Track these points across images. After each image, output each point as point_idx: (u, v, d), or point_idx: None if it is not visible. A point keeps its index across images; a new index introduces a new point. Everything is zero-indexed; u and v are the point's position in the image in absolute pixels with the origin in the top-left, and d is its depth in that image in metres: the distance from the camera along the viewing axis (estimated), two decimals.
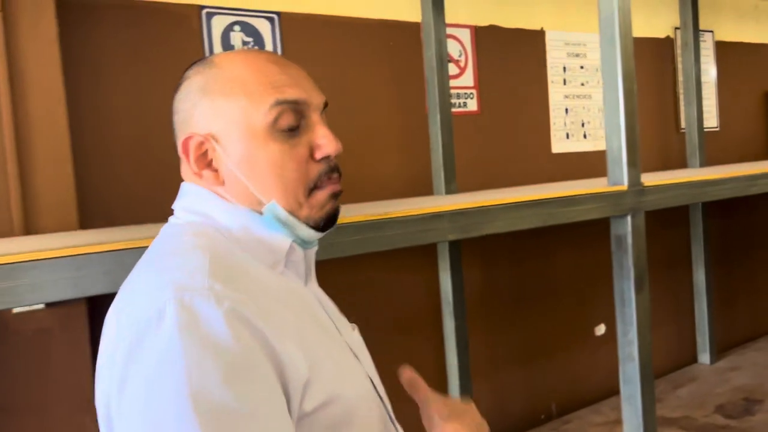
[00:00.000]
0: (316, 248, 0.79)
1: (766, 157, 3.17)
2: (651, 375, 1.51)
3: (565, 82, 2.46)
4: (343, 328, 0.78)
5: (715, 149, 2.95)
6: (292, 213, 0.72)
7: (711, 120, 2.96)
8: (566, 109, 2.46)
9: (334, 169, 0.74)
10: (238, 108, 0.70)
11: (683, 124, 2.79)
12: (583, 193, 1.40)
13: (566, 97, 2.46)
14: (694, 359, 2.81)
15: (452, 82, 2.19)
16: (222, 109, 0.71)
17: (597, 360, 2.53)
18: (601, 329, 2.56)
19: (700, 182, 1.68)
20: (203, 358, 0.58)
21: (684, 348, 2.82)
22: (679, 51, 2.78)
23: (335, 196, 0.74)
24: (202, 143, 0.72)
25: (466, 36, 2.21)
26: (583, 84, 2.51)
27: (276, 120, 0.70)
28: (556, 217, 1.39)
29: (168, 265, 0.67)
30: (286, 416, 0.62)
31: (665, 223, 2.77)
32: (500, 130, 2.30)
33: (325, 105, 0.76)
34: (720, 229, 2.94)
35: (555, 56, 2.43)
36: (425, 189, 2.02)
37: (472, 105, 2.23)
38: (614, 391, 2.52)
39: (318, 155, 0.72)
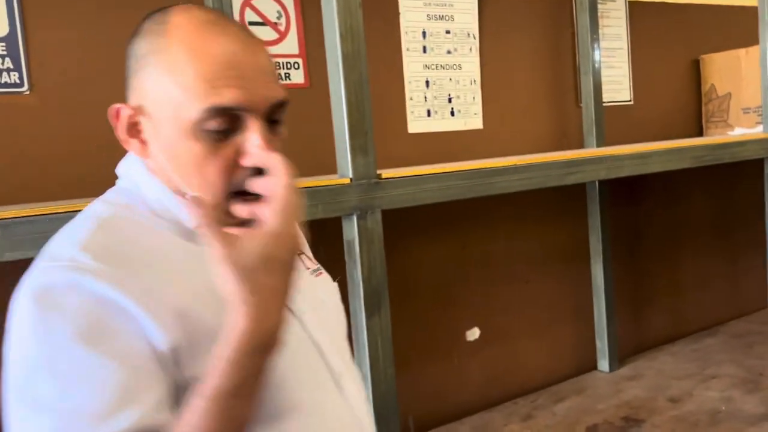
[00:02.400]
0: None
1: (697, 133, 2.80)
2: (396, 418, 1.19)
3: (425, 50, 2.11)
4: (309, 309, 0.76)
5: (627, 126, 2.59)
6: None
7: (623, 92, 2.59)
8: (427, 82, 2.11)
9: (259, 173, 0.67)
10: (172, 99, 0.67)
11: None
12: (306, 186, 1.08)
13: (427, 67, 2.11)
14: (594, 366, 2.49)
15: (271, 49, 1.86)
16: (156, 91, 0.69)
17: (468, 369, 2.22)
18: (474, 333, 2.25)
19: (441, 174, 1.33)
20: (52, 322, 0.63)
21: (584, 353, 2.49)
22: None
23: (247, 223, 0.66)
24: (131, 114, 0.71)
25: None
26: (450, 52, 2.16)
27: (204, 121, 0.66)
28: None
29: (62, 233, 0.71)
30: (148, 354, 0.64)
31: (565, 211, 2.43)
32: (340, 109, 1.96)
33: (281, 104, 0.70)
34: (626, 219, 2.58)
35: (411, 19, 2.07)
36: None
37: (298, 77, 1.90)
38: (486, 405, 2.23)
39: (243, 162, 0.68)
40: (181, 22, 0.69)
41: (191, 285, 0.69)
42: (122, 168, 0.77)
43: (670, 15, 2.68)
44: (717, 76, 2.69)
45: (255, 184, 0.66)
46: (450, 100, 2.17)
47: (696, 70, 2.77)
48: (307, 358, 0.74)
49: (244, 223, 0.66)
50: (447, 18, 2.14)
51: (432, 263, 2.15)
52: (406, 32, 2.06)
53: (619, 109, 2.57)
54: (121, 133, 0.72)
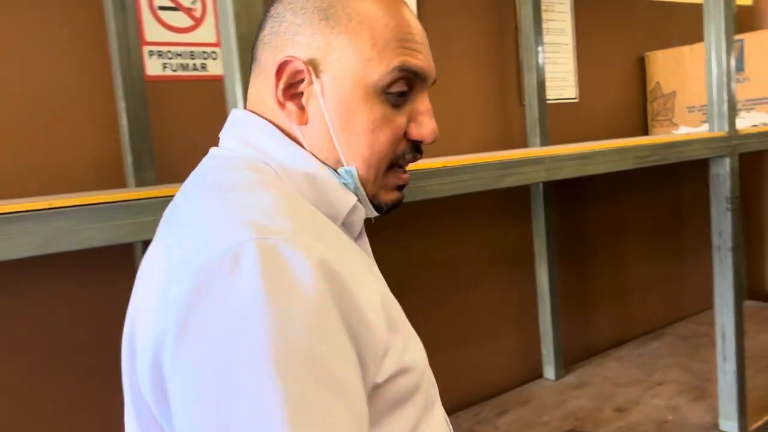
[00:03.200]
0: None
1: (642, 132, 2.74)
2: None
3: None
4: None
5: (573, 124, 2.50)
6: (365, 185, 0.67)
7: (569, 90, 2.50)
8: None
9: (419, 151, 0.69)
10: (359, 54, 0.63)
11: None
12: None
13: None
14: (540, 373, 2.40)
15: (183, 37, 1.68)
16: (340, 47, 0.63)
17: None
18: None
19: None
20: (291, 318, 0.48)
21: (530, 361, 2.40)
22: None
23: (402, 188, 0.70)
24: (300, 72, 0.64)
25: None
26: None
27: (391, 84, 0.64)
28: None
29: (234, 200, 0.57)
30: (363, 390, 0.53)
31: (509, 212, 2.32)
32: None
33: (433, 82, 0.70)
34: (573, 221, 2.50)
35: None
36: (103, 181, 1.49)
37: (215, 68, 1.72)
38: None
39: (414, 135, 0.67)
40: None
41: (367, 273, 0.61)
42: (241, 132, 0.67)
43: (616, 10, 2.61)
44: (662, 74, 2.64)
45: None
46: None
47: (641, 67, 2.71)
48: (434, 386, 0.71)
49: (397, 189, 0.69)
50: None
51: None
52: None
53: (565, 107, 2.48)
54: (279, 93, 0.65)
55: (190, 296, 0.50)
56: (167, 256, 0.55)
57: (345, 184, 0.66)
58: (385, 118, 0.65)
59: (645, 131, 2.72)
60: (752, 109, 2.36)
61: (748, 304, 3.07)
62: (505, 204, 2.30)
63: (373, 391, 0.56)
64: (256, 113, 0.68)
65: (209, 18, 1.71)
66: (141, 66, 1.46)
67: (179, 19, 1.66)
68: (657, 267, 2.78)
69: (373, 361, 0.55)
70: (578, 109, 2.52)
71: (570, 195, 2.47)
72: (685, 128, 2.38)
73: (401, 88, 0.65)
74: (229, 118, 0.71)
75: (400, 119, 0.66)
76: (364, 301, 0.54)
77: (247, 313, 0.48)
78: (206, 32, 1.70)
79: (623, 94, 2.67)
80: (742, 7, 3.09)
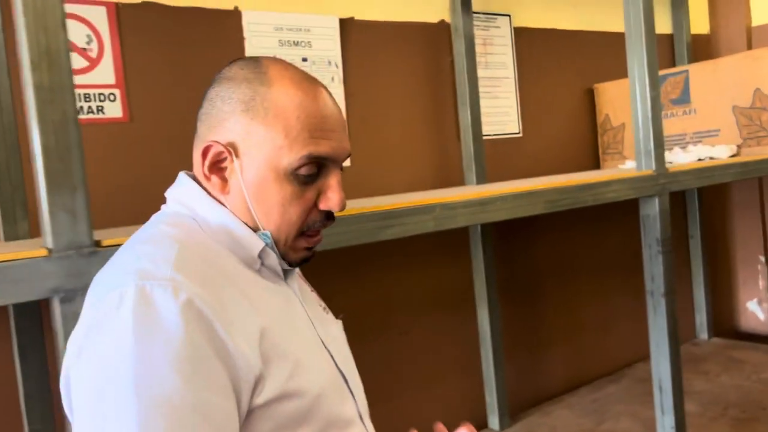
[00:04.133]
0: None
1: (594, 166, 2.65)
2: None
3: None
4: (319, 322, 0.82)
5: (517, 160, 2.42)
6: (276, 245, 0.77)
7: (511, 124, 2.42)
8: None
9: (331, 218, 0.79)
10: (273, 143, 0.74)
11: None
12: None
13: None
14: (484, 423, 2.27)
15: (79, 79, 1.60)
16: (257, 134, 0.74)
17: None
18: None
19: None
20: (152, 347, 0.60)
21: (473, 410, 2.27)
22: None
23: (311, 248, 0.80)
24: (222, 152, 0.76)
25: (98, 15, 1.62)
26: None
27: (300, 167, 0.74)
28: None
29: (140, 252, 0.70)
30: (231, 412, 0.64)
31: (447, 253, 2.22)
32: (170, 145, 1.70)
33: (348, 154, 0.80)
34: (517, 261, 2.40)
35: (259, 45, 1.85)
36: None
37: (114, 110, 1.64)
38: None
39: (322, 206, 0.77)
40: (280, 74, 0.76)
41: (264, 306, 0.72)
42: (177, 192, 0.79)
43: (561, 42, 2.54)
44: (611, 106, 2.56)
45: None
46: None
47: (591, 99, 2.64)
48: (341, 391, 0.79)
49: (305, 249, 0.80)
50: (303, 44, 1.93)
51: None
52: None
53: (507, 142, 2.40)
54: (205, 169, 0.76)
55: (87, 329, 0.64)
56: (87, 301, 0.69)
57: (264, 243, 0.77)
58: (294, 195, 0.75)
59: (597, 165, 2.63)
60: (699, 142, 2.28)
61: (715, 341, 2.95)
62: (444, 244, 2.20)
63: (256, 412, 0.67)
64: (194, 176, 0.80)
65: (107, 58, 1.63)
66: (11, 111, 1.36)
67: (72, 60, 1.58)
68: (612, 305, 2.66)
69: (246, 384, 0.65)
70: (522, 143, 2.44)
71: (513, 233, 2.37)
72: (631, 163, 2.30)
73: (309, 171, 0.75)
74: (177, 179, 0.81)
75: (310, 194, 0.76)
76: (234, 334, 0.65)
77: (120, 344, 0.60)
78: (104, 73, 1.62)
79: (572, 127, 2.59)
80: (698, 36, 3.03)
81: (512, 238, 2.36)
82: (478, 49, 2.31)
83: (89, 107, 1.60)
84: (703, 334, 2.98)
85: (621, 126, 2.53)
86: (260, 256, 0.76)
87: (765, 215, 3.02)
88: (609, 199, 1.51)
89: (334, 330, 0.86)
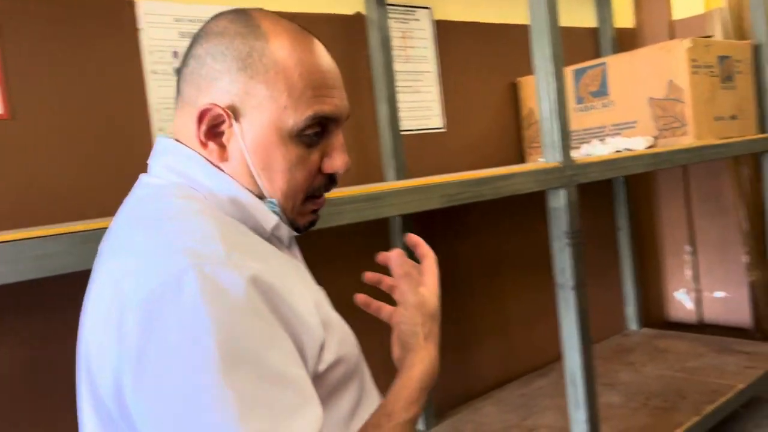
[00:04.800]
0: None
1: (518, 160, 2.64)
2: None
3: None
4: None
5: (441, 155, 2.38)
6: (284, 212, 0.75)
7: (434, 119, 2.38)
8: None
9: (334, 182, 0.78)
10: (276, 103, 0.70)
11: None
12: None
13: None
14: None
15: None
16: (258, 95, 0.70)
17: None
18: None
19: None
20: (233, 327, 0.57)
21: None
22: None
23: (317, 210, 0.80)
24: (220, 116, 0.71)
25: None
26: None
27: (306, 128, 0.72)
28: None
29: (171, 229, 0.64)
30: (309, 381, 0.64)
31: (368, 249, 2.16)
32: (58, 142, 1.60)
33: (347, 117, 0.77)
34: (443, 255, 2.36)
35: (156, 36, 1.76)
36: None
37: None
38: None
39: (327, 169, 0.75)
40: (274, 28, 0.73)
41: (297, 279, 0.71)
42: (168, 160, 0.74)
43: (484, 35, 2.52)
44: (534, 100, 2.55)
45: (419, 247, 0.89)
46: None
47: (515, 93, 2.62)
48: (368, 373, 0.84)
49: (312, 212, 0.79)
50: None
51: None
52: (151, 52, 1.74)
53: (430, 137, 2.36)
54: (202, 134, 0.72)
55: (142, 325, 0.57)
56: (115, 288, 0.61)
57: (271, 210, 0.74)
58: (300, 158, 0.72)
59: (521, 159, 2.62)
60: (618, 134, 2.28)
61: (644, 332, 2.98)
62: (363, 240, 2.15)
63: (315, 380, 0.67)
64: (181, 142, 0.74)
65: None
66: None
67: None
68: (541, 299, 2.66)
69: (312, 354, 0.66)
70: (446, 138, 2.40)
71: (436, 227, 2.33)
72: None
73: (315, 130, 0.72)
74: (156, 146, 0.76)
75: (314, 157, 0.74)
76: (298, 305, 0.65)
77: (195, 331, 0.56)
78: None
79: (496, 121, 2.57)
80: (624, 30, 3.06)
81: (436, 232, 2.33)
82: (398, 42, 2.27)
83: None
84: (633, 325, 3.02)
85: None
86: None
87: (690, 205, 3.07)
88: (511, 192, 1.48)
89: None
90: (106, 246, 0.71)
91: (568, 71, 2.41)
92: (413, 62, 2.32)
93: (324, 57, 0.75)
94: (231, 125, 0.71)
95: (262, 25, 0.73)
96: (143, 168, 1.77)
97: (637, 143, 2.12)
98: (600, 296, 2.93)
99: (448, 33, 2.42)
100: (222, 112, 0.70)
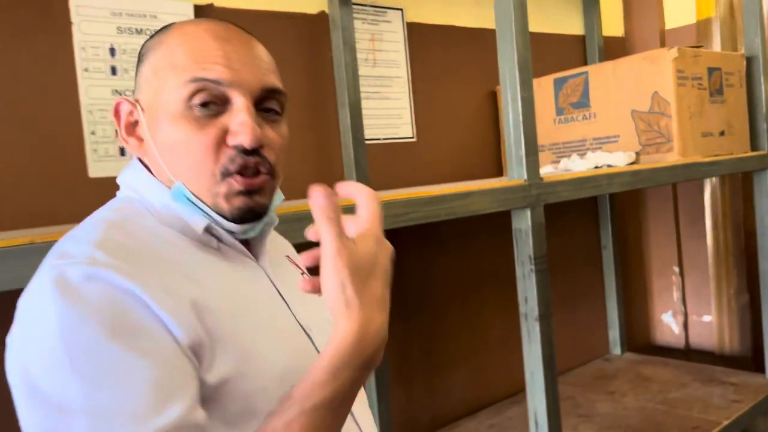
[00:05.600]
0: (269, 227, 0.80)
1: (497, 173, 2.49)
2: None
3: (115, 71, 1.64)
4: (300, 303, 0.78)
5: (409, 166, 2.23)
6: (198, 197, 0.72)
7: (404, 128, 2.24)
8: None
9: (249, 154, 0.71)
10: (162, 82, 0.71)
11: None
12: None
13: (118, 93, 1.65)
14: None
15: None
16: (151, 78, 0.73)
17: None
18: None
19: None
20: (75, 318, 0.59)
21: None
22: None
23: (248, 193, 0.72)
24: (131, 110, 0.75)
25: None
26: None
27: (190, 97, 0.70)
28: None
29: (68, 236, 0.69)
30: (177, 355, 0.62)
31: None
32: None
33: (275, 91, 0.75)
34: (411, 274, 2.21)
35: (90, 31, 1.61)
36: None
37: None
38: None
39: (229, 141, 0.71)
40: (182, 23, 0.75)
41: (206, 284, 0.69)
42: (123, 177, 0.78)
43: (461, 40, 2.37)
44: None
45: (342, 189, 0.64)
46: None
47: (494, 102, 2.48)
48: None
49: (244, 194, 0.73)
50: (147, 32, 1.69)
51: None
52: (83, 48, 1.59)
53: (399, 148, 2.21)
54: (122, 131, 0.76)
55: (16, 320, 0.64)
56: None
57: (186, 199, 0.72)
58: (192, 133, 0.70)
59: (500, 172, 2.47)
60: (599, 148, 2.14)
61: (628, 357, 2.83)
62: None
63: (210, 398, 0.64)
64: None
65: None
66: None
67: None
68: (515, 322, 2.50)
69: (187, 347, 0.63)
70: (416, 149, 2.25)
71: (405, 245, 2.18)
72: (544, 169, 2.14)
73: (201, 99, 0.70)
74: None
75: (210, 131, 0.70)
76: (161, 301, 0.62)
77: (45, 315, 0.60)
78: None
79: (473, 131, 2.42)
80: (612, 39, 2.92)
81: (403, 249, 2.17)
82: (366, 45, 2.12)
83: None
84: (617, 349, 2.86)
85: None
86: (211, 232, 0.73)
87: (679, 225, 2.92)
88: (469, 213, 1.33)
89: (321, 312, 0.78)
90: None
91: (548, 80, 2.26)
92: (382, 66, 2.17)
93: (223, 33, 0.72)
94: (141, 117, 0.73)
95: (172, 25, 0.75)
96: (74, 173, 1.64)
97: (618, 159, 1.98)
98: (582, 318, 2.78)
99: (421, 36, 2.27)
100: (129, 103, 0.74)
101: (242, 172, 0.71)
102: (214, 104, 0.70)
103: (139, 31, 1.68)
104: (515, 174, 1.45)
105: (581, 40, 2.81)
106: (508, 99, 1.44)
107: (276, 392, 0.65)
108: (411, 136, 2.24)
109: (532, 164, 1.45)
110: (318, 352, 0.73)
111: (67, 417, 0.57)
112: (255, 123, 0.71)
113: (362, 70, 2.09)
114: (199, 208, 0.72)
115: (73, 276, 0.61)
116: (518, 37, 1.43)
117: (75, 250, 0.64)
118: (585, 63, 2.79)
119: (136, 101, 0.74)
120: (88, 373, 0.58)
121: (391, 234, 1.93)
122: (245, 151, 0.71)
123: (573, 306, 2.73)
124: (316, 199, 0.60)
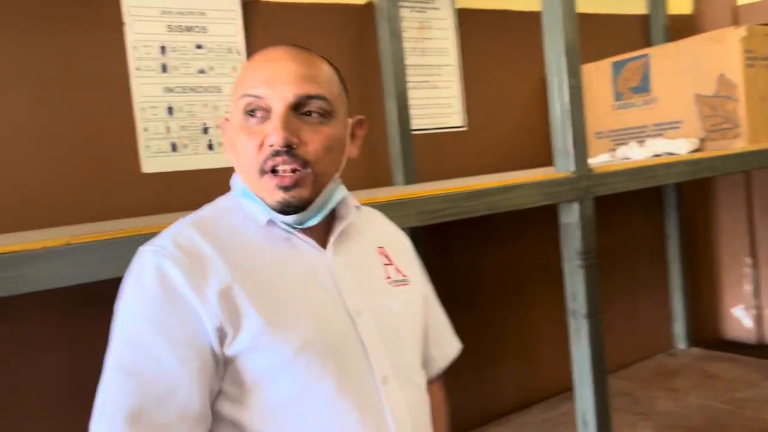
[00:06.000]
0: (340, 220, 0.90)
1: (548, 162, 2.41)
2: None
3: (165, 69, 1.69)
4: (350, 292, 0.85)
5: (460, 155, 2.19)
6: (256, 194, 0.84)
7: (454, 117, 2.19)
8: (170, 109, 1.69)
9: (278, 154, 0.80)
10: (234, 100, 0.85)
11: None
12: None
13: (169, 90, 1.69)
14: None
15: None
16: (232, 99, 0.86)
17: None
18: None
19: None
20: (133, 297, 0.79)
21: None
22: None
23: (285, 188, 0.82)
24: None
25: None
26: (203, 72, 1.74)
27: (243, 110, 0.83)
28: None
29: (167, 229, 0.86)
30: (192, 351, 0.76)
31: None
32: (37, 144, 1.53)
33: (310, 97, 0.82)
34: (461, 266, 2.17)
35: (143, 30, 1.65)
36: None
37: None
38: None
39: (266, 143, 0.81)
40: (264, 49, 0.87)
41: (252, 269, 0.81)
42: (231, 179, 0.90)
43: (513, 25, 2.30)
44: None
45: None
46: (206, 131, 1.74)
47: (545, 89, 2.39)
48: (348, 355, 0.82)
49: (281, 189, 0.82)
50: (197, 29, 1.73)
51: None
52: (135, 47, 1.64)
53: (449, 137, 2.17)
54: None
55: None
56: None
57: (247, 192, 0.86)
58: (246, 139, 0.82)
59: (551, 161, 2.39)
60: (660, 135, 2.03)
61: (694, 352, 2.70)
62: None
63: (230, 364, 0.78)
64: None
65: None
66: None
67: None
68: None
69: (211, 329, 0.76)
70: (467, 138, 2.21)
71: (457, 237, 2.15)
72: (596, 158, 2.05)
73: (249, 109, 0.82)
74: None
75: (257, 136, 0.81)
76: (203, 290, 0.77)
77: (124, 288, 0.80)
78: None
79: (524, 119, 2.35)
80: (678, 17, 2.76)
81: (450, 244, 2.14)
82: (414, 33, 2.09)
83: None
84: (681, 344, 2.73)
85: None
86: (274, 222, 0.84)
87: (752, 213, 2.75)
88: (511, 207, 1.29)
89: (387, 301, 0.88)
90: None
91: (607, 64, 2.17)
92: (430, 55, 2.13)
93: (271, 56, 0.84)
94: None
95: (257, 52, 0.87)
96: (127, 170, 1.70)
97: (680, 146, 1.87)
98: (643, 310, 2.66)
99: (471, 22, 2.21)
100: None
101: (275, 169, 0.81)
102: (260, 114, 0.82)
103: (189, 29, 1.71)
104: (562, 166, 1.40)
105: (644, 19, 2.66)
106: (554, 87, 1.39)
107: (290, 365, 0.77)
108: (461, 125, 2.20)
109: (581, 155, 1.39)
110: (359, 337, 0.82)
111: (112, 343, 0.78)
112: (285, 126, 0.79)
113: (410, 60, 2.06)
114: (260, 202, 0.84)
115: (145, 263, 0.79)
116: (566, 21, 1.36)
117: (157, 240, 0.81)
118: (648, 44, 2.65)
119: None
120: (121, 331, 0.78)
121: (439, 226, 1.91)
122: (277, 152, 0.80)
123: (634, 298, 2.63)
124: None
